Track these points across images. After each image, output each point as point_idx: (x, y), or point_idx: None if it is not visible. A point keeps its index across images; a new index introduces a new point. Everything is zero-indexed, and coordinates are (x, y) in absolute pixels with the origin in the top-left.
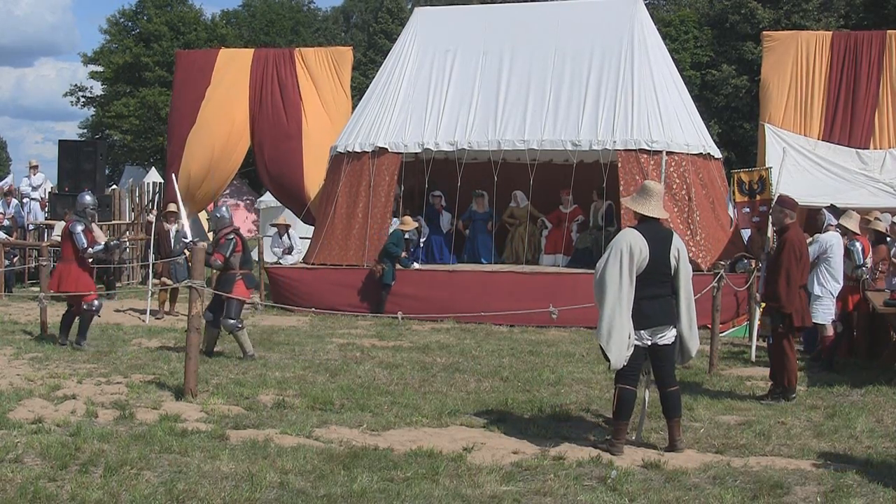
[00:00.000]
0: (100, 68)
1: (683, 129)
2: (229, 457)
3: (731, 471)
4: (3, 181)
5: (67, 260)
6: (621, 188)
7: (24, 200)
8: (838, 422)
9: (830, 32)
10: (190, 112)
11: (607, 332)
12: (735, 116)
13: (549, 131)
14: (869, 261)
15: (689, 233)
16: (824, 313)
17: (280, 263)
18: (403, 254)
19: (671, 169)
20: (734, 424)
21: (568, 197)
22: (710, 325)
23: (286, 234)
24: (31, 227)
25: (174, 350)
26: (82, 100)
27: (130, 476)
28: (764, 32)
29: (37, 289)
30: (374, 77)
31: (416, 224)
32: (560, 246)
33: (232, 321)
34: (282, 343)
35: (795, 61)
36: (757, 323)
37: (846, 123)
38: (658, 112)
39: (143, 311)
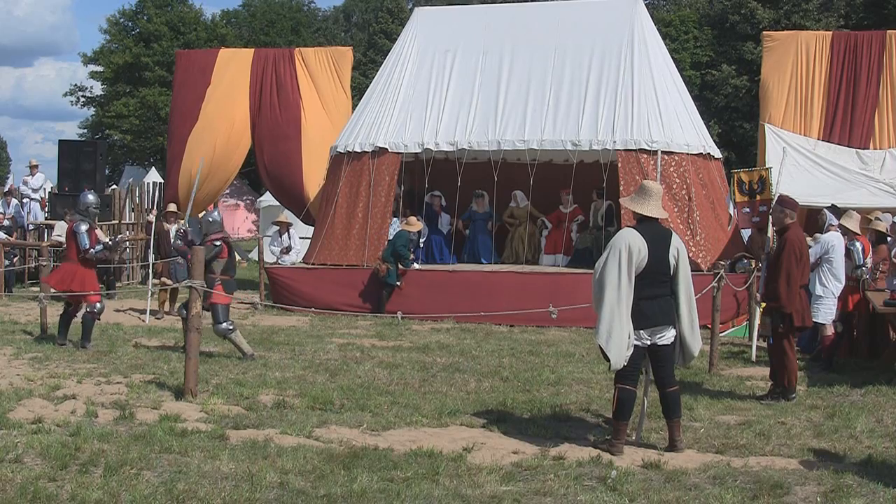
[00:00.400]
0: (100, 68)
1: (683, 129)
2: (229, 457)
3: (731, 471)
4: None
5: (72, 260)
6: (621, 188)
7: (24, 200)
8: (838, 422)
9: (830, 32)
10: (190, 112)
11: (607, 332)
12: (735, 116)
13: (549, 131)
14: (869, 261)
15: (689, 233)
16: (825, 313)
17: (279, 263)
18: (412, 257)
19: (671, 169)
20: (734, 424)
21: (568, 197)
22: (710, 325)
23: (287, 233)
24: (31, 227)
25: (174, 350)
26: (82, 100)
27: (130, 476)
28: (764, 32)
29: (37, 289)
30: (374, 77)
31: (421, 225)
32: (560, 246)
33: (222, 325)
34: (282, 343)
35: (795, 61)
36: (757, 323)
37: (846, 123)
38: (658, 112)
39: (143, 311)
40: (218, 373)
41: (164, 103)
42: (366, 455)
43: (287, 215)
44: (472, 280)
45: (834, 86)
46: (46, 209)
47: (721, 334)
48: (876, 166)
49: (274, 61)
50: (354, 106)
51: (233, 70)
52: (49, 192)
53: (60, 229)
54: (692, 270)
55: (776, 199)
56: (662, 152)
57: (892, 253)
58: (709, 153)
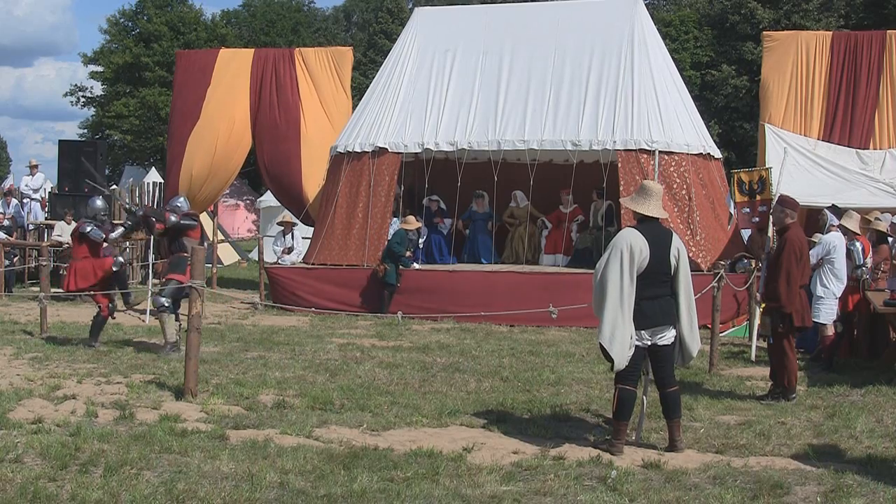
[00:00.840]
0: (100, 68)
1: (683, 129)
2: (229, 457)
3: (731, 471)
4: (5, 182)
5: (82, 259)
6: (621, 188)
7: (24, 200)
8: (838, 422)
9: (830, 32)
10: (190, 112)
11: (610, 333)
12: (735, 116)
13: (549, 131)
14: (869, 261)
15: (689, 233)
16: (826, 313)
17: (280, 263)
18: (408, 253)
19: (671, 169)
20: (734, 424)
21: (568, 197)
22: (710, 325)
23: (290, 234)
24: (31, 227)
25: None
26: (82, 100)
27: (130, 476)
28: (764, 32)
29: (37, 289)
30: (374, 77)
31: (420, 224)
32: (560, 246)
33: (162, 299)
34: (282, 343)
35: (795, 61)
36: (757, 323)
37: (846, 123)
38: (658, 112)
39: (143, 311)
40: (218, 373)
41: (165, 103)
42: (366, 455)
43: (291, 216)
44: (472, 280)
45: (834, 86)
46: (46, 209)
47: (721, 334)
48: (876, 166)
49: (274, 61)
50: (354, 106)
51: (233, 70)
52: (49, 192)
53: (60, 229)
54: (692, 270)
55: (777, 198)
56: (662, 152)
57: (894, 253)
58: (709, 153)
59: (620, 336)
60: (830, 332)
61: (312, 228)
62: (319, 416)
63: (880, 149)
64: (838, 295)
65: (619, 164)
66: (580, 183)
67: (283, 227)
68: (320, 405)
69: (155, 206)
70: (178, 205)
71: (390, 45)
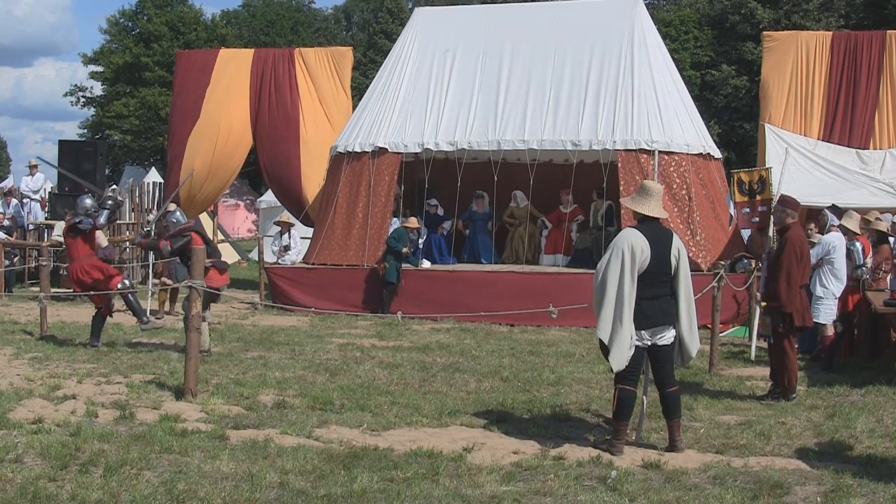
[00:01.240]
0: (100, 68)
1: (683, 129)
2: (229, 457)
3: (731, 471)
4: (5, 182)
5: (79, 258)
6: (621, 188)
7: (24, 200)
8: (838, 422)
9: (830, 33)
10: (191, 112)
11: (610, 333)
12: (735, 116)
13: (549, 131)
14: (869, 261)
15: (689, 233)
16: (826, 313)
17: (279, 263)
18: (405, 250)
19: (671, 169)
20: (734, 424)
21: (568, 197)
22: (710, 325)
23: (288, 233)
24: (31, 227)
25: (174, 350)
26: (82, 100)
27: (130, 476)
28: (764, 32)
29: (37, 289)
30: (374, 77)
31: (419, 224)
32: (560, 246)
33: (206, 313)
34: (282, 343)
35: (795, 61)
36: (757, 323)
37: (846, 123)
38: (658, 112)
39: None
40: (218, 373)
41: (164, 103)
42: (366, 455)
43: (289, 216)
44: (472, 280)
45: (834, 86)
46: (46, 209)
47: (721, 334)
48: (876, 166)
49: (274, 61)
50: (354, 106)
51: (233, 70)
52: (49, 193)
53: (60, 229)
54: (692, 270)
55: (777, 198)
56: (662, 152)
57: (895, 253)
58: (709, 153)
59: (621, 336)
60: (830, 332)
61: (311, 229)
62: (319, 416)
63: (880, 149)
64: (838, 295)
65: (619, 164)
66: (580, 183)
67: (280, 227)
68: (320, 405)
69: (154, 225)
70: (174, 220)
71: (390, 45)
